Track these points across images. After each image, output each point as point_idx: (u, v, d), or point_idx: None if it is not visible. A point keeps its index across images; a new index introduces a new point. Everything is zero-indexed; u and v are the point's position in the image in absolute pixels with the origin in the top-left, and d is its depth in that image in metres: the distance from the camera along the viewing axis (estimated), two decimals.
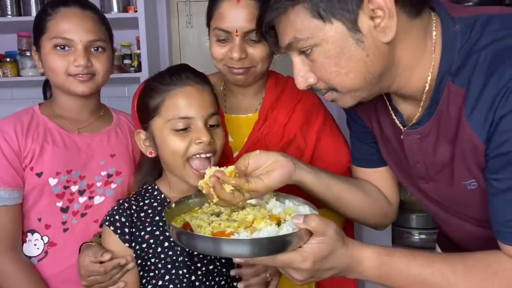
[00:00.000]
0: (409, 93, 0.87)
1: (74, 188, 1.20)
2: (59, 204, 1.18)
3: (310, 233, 0.79)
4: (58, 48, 1.17)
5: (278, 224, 0.84)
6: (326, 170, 1.06)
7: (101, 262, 1.02)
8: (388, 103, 0.95)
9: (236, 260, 0.81)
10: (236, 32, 1.13)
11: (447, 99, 0.81)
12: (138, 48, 2.61)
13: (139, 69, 2.59)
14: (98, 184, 1.23)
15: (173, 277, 1.04)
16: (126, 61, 2.67)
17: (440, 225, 1.08)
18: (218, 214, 0.95)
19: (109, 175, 1.24)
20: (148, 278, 1.05)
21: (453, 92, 0.79)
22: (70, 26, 1.16)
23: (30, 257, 1.19)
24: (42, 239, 1.19)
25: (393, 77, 0.84)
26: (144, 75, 2.51)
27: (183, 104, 1.02)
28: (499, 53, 0.74)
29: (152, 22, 2.67)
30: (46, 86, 1.32)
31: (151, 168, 1.16)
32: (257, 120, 1.25)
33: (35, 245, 1.19)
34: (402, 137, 0.93)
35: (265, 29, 0.85)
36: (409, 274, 0.81)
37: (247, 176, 0.91)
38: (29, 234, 1.19)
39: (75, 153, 1.21)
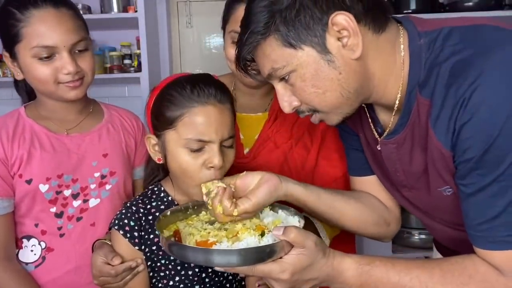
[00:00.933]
0: (386, 103, 0.92)
1: (67, 193, 1.15)
2: (53, 210, 1.15)
3: (292, 245, 0.82)
4: (43, 58, 1.07)
5: (262, 234, 0.87)
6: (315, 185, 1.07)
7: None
8: (367, 113, 1.00)
9: (216, 268, 0.83)
10: None
11: (417, 110, 0.85)
12: (138, 48, 2.61)
13: (139, 69, 2.59)
14: (92, 186, 1.18)
15: (183, 277, 1.05)
16: (126, 61, 2.67)
17: (427, 229, 1.11)
18: (213, 223, 0.96)
19: (102, 176, 1.20)
20: (159, 278, 1.06)
21: (421, 103, 0.84)
22: (49, 31, 1.06)
23: (27, 263, 1.16)
24: (39, 244, 1.16)
25: (370, 89, 0.88)
26: (144, 75, 2.52)
27: (201, 125, 0.97)
28: (457, 66, 0.77)
29: (152, 22, 2.67)
30: (18, 87, 1.25)
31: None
32: (267, 119, 1.30)
33: (31, 251, 1.16)
34: (378, 146, 0.98)
35: (244, 63, 0.91)
36: (389, 281, 0.84)
37: (235, 198, 0.94)
38: (24, 240, 1.16)
39: (65, 156, 1.16)
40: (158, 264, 1.06)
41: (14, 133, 1.13)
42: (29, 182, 1.12)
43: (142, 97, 2.43)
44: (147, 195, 1.11)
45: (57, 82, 1.10)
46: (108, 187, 1.21)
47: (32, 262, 1.16)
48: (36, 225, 1.15)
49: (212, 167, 0.98)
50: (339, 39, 0.81)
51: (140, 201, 1.08)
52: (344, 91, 0.85)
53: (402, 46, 0.86)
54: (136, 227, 1.04)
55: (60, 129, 1.18)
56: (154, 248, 1.05)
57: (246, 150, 1.29)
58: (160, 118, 1.01)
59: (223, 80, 1.32)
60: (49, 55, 1.07)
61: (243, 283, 1.10)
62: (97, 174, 1.19)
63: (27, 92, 1.25)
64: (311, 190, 1.02)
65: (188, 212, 1.02)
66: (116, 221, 1.05)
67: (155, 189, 1.12)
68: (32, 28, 1.06)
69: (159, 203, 1.09)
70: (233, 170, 1.25)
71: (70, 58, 1.08)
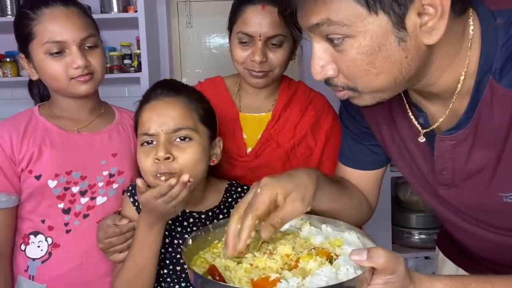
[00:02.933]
0: (435, 92, 0.79)
1: (75, 189, 1.18)
2: (61, 205, 1.17)
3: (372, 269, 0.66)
4: (53, 53, 1.12)
5: (329, 260, 0.71)
6: None
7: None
8: (407, 103, 0.87)
9: None
10: (259, 36, 1.19)
11: (490, 101, 0.72)
12: (138, 48, 2.61)
13: (139, 69, 2.59)
14: (100, 184, 1.21)
15: (171, 272, 1.06)
16: (126, 61, 2.67)
17: (451, 230, 1.03)
18: None
19: (110, 175, 1.23)
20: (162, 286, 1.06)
21: (500, 94, 0.71)
22: (59, 27, 1.12)
23: (34, 259, 1.18)
24: (46, 240, 1.18)
25: (423, 77, 0.75)
26: (144, 75, 2.52)
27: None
28: None
29: (152, 22, 2.67)
30: (31, 86, 1.29)
31: None
32: (270, 119, 1.32)
33: (38, 246, 1.18)
34: (421, 139, 0.86)
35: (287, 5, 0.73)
36: None
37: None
38: (31, 236, 1.18)
39: (75, 153, 1.19)
40: (161, 272, 1.07)
41: (25, 131, 1.16)
42: (38, 177, 1.15)
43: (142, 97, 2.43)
44: None
45: (69, 78, 1.14)
46: (115, 186, 1.23)
47: (39, 258, 1.18)
48: (43, 221, 1.17)
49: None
50: (419, 15, 0.66)
51: None
52: (400, 77, 0.71)
53: (471, 27, 0.73)
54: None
55: (72, 127, 1.22)
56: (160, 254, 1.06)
57: (249, 150, 1.31)
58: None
59: (228, 80, 1.39)
60: (60, 50, 1.12)
61: None
62: (105, 173, 1.22)
63: (40, 95, 1.29)
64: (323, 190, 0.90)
65: (209, 238, 0.85)
66: (130, 188, 1.13)
67: None
68: (43, 25, 1.12)
69: None
70: (236, 168, 1.26)
71: (79, 53, 1.12)
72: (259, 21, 1.18)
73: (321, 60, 0.73)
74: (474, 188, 0.83)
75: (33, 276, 1.19)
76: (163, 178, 0.98)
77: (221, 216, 1.11)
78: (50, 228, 1.18)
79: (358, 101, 0.78)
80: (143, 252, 1.01)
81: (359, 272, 0.66)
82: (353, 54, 0.69)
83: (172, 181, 0.94)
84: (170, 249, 1.08)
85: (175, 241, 1.09)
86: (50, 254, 1.18)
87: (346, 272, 0.67)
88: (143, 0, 2.46)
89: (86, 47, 1.15)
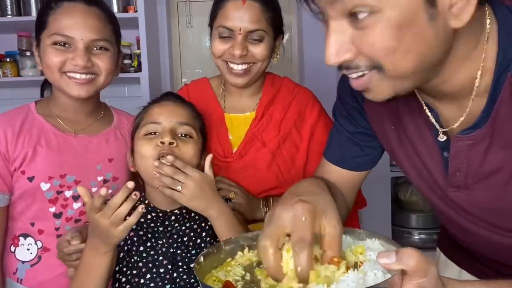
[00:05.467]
0: (448, 91, 0.75)
1: (68, 194, 1.15)
2: (52, 209, 1.14)
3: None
4: (58, 45, 1.10)
5: (354, 267, 0.67)
6: None
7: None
8: (422, 102, 0.83)
9: None
10: (240, 30, 1.18)
11: (509, 99, 0.69)
12: (138, 48, 2.61)
13: (139, 69, 2.59)
14: (93, 189, 1.16)
15: (154, 275, 1.05)
16: (126, 61, 2.67)
17: (456, 233, 1.00)
18: (258, 264, 0.76)
19: (105, 181, 1.19)
20: (131, 276, 1.06)
21: None
22: (72, 23, 1.09)
23: (23, 262, 1.16)
24: (36, 243, 1.16)
25: (438, 71, 0.71)
26: (144, 75, 2.52)
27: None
28: None
29: (152, 22, 2.67)
30: (45, 85, 1.29)
31: None
32: (254, 118, 1.30)
33: (28, 249, 1.16)
34: (441, 137, 0.82)
35: None
36: None
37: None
38: (21, 238, 1.16)
39: (70, 156, 1.15)
40: (132, 260, 1.06)
41: (20, 129, 1.13)
42: (31, 179, 1.12)
43: (142, 97, 2.43)
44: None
45: (61, 71, 1.11)
46: (109, 192, 1.19)
47: (28, 261, 1.16)
48: (32, 224, 1.15)
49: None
50: None
51: None
52: (427, 60, 0.66)
53: (488, 21, 0.70)
54: None
55: (69, 129, 1.18)
56: (129, 242, 1.06)
57: (234, 150, 1.29)
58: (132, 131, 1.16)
59: (213, 81, 1.38)
60: (64, 43, 1.10)
61: None
62: (100, 178, 1.19)
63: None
64: None
65: (222, 256, 0.79)
66: None
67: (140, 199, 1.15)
68: (57, 17, 1.11)
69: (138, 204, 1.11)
70: (220, 170, 1.25)
71: (83, 52, 1.09)
72: (240, 15, 1.18)
73: (337, 42, 0.66)
74: (487, 190, 0.80)
75: (21, 280, 1.17)
76: (168, 157, 1.00)
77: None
78: (40, 231, 1.15)
79: (373, 93, 0.71)
80: (87, 276, 0.97)
81: (389, 276, 0.60)
82: (379, 29, 0.63)
83: (130, 183, 0.90)
84: (135, 239, 1.07)
85: (140, 232, 1.08)
86: (39, 258, 1.16)
87: (374, 277, 0.62)
88: (143, 0, 2.46)
89: (95, 49, 1.12)
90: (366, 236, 0.76)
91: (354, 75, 0.69)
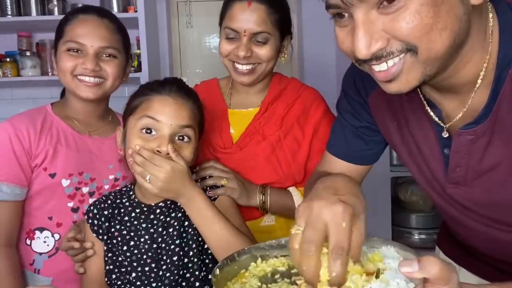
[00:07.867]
0: (454, 84, 0.76)
1: (85, 190, 1.23)
2: (70, 204, 1.21)
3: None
4: (71, 51, 1.20)
5: (376, 275, 0.66)
6: None
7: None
8: (422, 97, 0.84)
9: None
10: (244, 32, 1.21)
11: (510, 95, 0.71)
12: (138, 48, 2.61)
13: (139, 69, 2.59)
14: (106, 187, 1.26)
15: (140, 274, 1.07)
16: None
17: (457, 230, 1.01)
18: (273, 274, 0.76)
19: (116, 179, 1.28)
20: (119, 274, 1.09)
21: None
22: (85, 32, 1.20)
23: (40, 253, 1.22)
24: (53, 236, 1.21)
25: (453, 59, 0.71)
26: (144, 75, 2.52)
27: (155, 109, 1.06)
28: None
29: (152, 22, 2.68)
30: (64, 93, 1.35)
31: None
32: (257, 112, 1.33)
33: (44, 242, 1.21)
34: (444, 134, 0.82)
35: None
36: None
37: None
38: (37, 232, 1.21)
39: (86, 155, 1.24)
40: (120, 259, 1.09)
41: (42, 128, 1.20)
42: (52, 176, 1.19)
43: None
44: (121, 191, 1.18)
45: (73, 75, 1.20)
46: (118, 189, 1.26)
47: (46, 252, 1.22)
48: (50, 218, 1.21)
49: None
50: None
51: (113, 194, 1.17)
52: (458, 39, 0.66)
53: (491, 15, 0.72)
54: (97, 216, 1.13)
55: (83, 130, 1.27)
56: (114, 241, 1.10)
57: (234, 142, 1.31)
58: (126, 107, 1.13)
59: (222, 81, 1.42)
60: (77, 49, 1.20)
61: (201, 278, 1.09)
62: (111, 177, 1.28)
63: None
64: None
65: (236, 267, 0.77)
66: (90, 206, 1.16)
67: (129, 186, 1.19)
68: (72, 27, 1.21)
69: (125, 199, 1.15)
70: (220, 162, 1.26)
71: (93, 58, 1.19)
72: (245, 17, 1.20)
73: (369, 32, 0.65)
74: (486, 185, 0.81)
75: (38, 270, 1.22)
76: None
77: None
78: (59, 224, 1.21)
79: (401, 83, 0.70)
80: None
81: (412, 286, 0.61)
82: (415, 7, 0.62)
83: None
84: (119, 238, 1.10)
85: (124, 232, 1.10)
86: (57, 249, 1.21)
87: (397, 287, 0.62)
88: (143, 0, 2.47)
89: (104, 56, 1.21)
90: (381, 244, 0.75)
91: (383, 66, 0.69)
